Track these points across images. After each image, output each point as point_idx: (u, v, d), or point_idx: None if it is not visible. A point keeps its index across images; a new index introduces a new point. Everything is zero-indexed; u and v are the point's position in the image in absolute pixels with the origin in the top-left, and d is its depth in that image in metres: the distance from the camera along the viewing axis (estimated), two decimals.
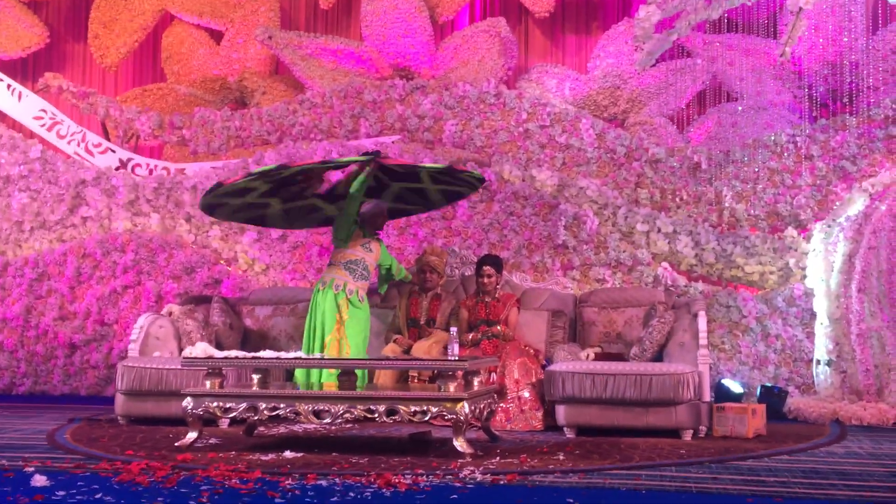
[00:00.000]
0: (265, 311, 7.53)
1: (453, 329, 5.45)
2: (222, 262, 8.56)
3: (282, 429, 6.27)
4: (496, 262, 6.81)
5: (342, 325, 6.54)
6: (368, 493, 4.03)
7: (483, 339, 6.59)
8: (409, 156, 8.26)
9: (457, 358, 5.21)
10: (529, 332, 6.95)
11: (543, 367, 6.48)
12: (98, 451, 5.17)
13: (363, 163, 6.59)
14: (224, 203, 6.73)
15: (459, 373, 5.28)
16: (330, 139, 8.93)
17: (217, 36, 10.16)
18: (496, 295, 6.81)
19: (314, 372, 6.50)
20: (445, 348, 6.62)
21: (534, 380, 6.30)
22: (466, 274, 7.50)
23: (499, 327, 6.65)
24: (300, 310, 7.42)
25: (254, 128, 9.21)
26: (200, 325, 7.01)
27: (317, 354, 6.33)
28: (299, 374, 6.58)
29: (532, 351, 6.58)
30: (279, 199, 6.86)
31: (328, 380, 6.37)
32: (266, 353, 5.54)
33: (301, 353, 5.72)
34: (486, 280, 6.75)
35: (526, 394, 6.23)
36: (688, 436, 5.86)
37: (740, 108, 8.63)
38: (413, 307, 7.02)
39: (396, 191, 7.12)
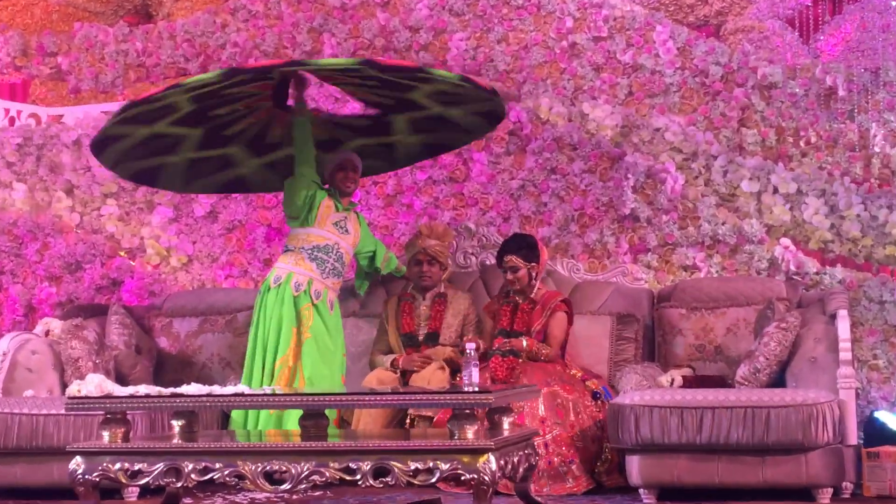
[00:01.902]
0: (188, 326, 7.62)
1: (470, 345, 5.46)
2: (122, 253, 8.59)
3: (218, 500, 6.31)
4: (527, 247, 6.90)
5: (301, 345, 6.64)
6: None
7: (494, 355, 6.66)
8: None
9: (476, 389, 5.23)
10: (585, 348, 7.06)
11: (596, 396, 6.59)
12: None
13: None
14: (121, 137, 6.78)
15: (482, 411, 5.30)
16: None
17: None
18: (532, 294, 6.89)
19: (263, 415, 6.58)
20: (457, 375, 6.72)
21: (573, 418, 6.44)
22: (488, 263, 7.58)
23: (524, 340, 6.72)
24: (239, 322, 7.53)
25: (164, 52, 9.14)
26: (93, 349, 7.05)
27: (265, 389, 6.36)
28: (239, 417, 6.67)
29: (577, 375, 6.72)
30: (199, 134, 6.93)
31: (286, 426, 6.43)
32: (191, 389, 5.57)
33: (243, 387, 5.73)
34: (511, 276, 6.88)
35: (555, 436, 6.34)
36: (825, 497, 5.91)
37: (895, 4, 8.58)
38: (406, 315, 7.14)
39: (355, 147, 7.26)
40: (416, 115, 7.13)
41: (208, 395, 5.45)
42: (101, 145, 6.86)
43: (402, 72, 6.72)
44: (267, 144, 7.26)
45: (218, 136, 7.02)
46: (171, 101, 6.52)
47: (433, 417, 6.56)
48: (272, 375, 6.60)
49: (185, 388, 5.56)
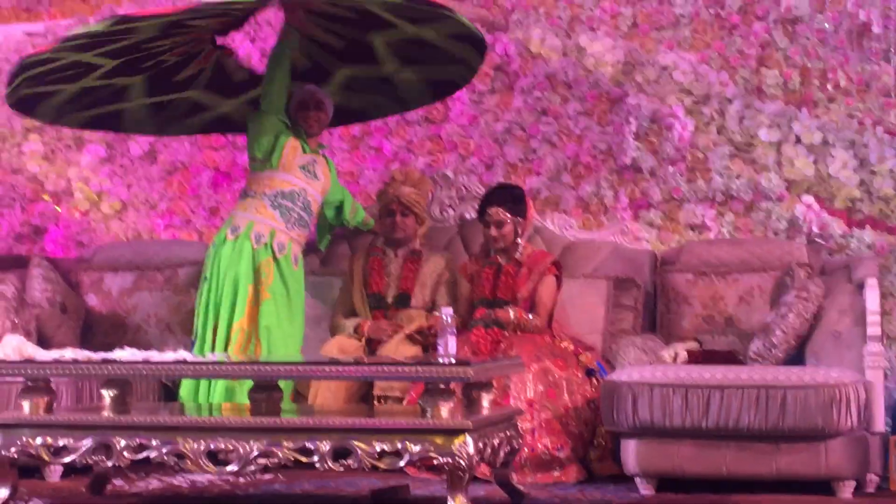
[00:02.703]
0: (122, 282, 7.66)
1: (446, 310, 5.52)
2: (46, 197, 8.61)
3: (154, 482, 6.31)
4: (513, 200, 6.92)
5: (258, 306, 6.66)
6: None
7: (476, 327, 6.68)
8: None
9: (453, 361, 5.26)
10: (576, 316, 7.07)
11: (591, 373, 6.62)
12: None
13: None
14: (54, 93, 6.80)
15: (458, 386, 5.34)
16: None
17: None
18: (517, 255, 6.92)
19: (210, 386, 6.61)
20: (428, 349, 6.80)
21: (567, 399, 6.47)
22: (468, 217, 7.64)
23: (511, 311, 6.74)
24: (181, 279, 7.62)
25: None
26: (10, 306, 7.05)
27: (211, 356, 6.38)
28: (186, 390, 6.69)
29: (570, 348, 6.74)
30: (142, 82, 6.99)
31: (235, 399, 6.46)
32: (125, 353, 5.56)
33: (186, 355, 5.70)
34: (495, 232, 6.87)
35: (545, 418, 6.38)
36: (847, 490, 5.93)
37: None
38: (375, 274, 7.20)
39: (344, 78, 7.26)
40: (392, 35, 7.05)
41: (144, 361, 5.41)
42: (26, 105, 6.92)
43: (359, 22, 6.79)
44: (237, 85, 7.32)
45: (166, 82, 7.06)
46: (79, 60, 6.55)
47: (403, 399, 6.60)
48: (227, 341, 6.61)
49: (118, 354, 5.54)
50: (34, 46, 8.35)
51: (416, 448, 5.02)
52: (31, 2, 9.16)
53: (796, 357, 6.46)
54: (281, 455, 5.11)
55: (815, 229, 7.71)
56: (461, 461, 4.97)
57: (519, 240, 6.91)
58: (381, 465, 5.06)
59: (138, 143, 8.49)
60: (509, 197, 6.91)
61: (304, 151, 6.88)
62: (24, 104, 6.89)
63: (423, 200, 7.26)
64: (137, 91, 7.07)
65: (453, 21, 6.67)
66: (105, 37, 6.38)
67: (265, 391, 5.38)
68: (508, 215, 6.85)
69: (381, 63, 7.13)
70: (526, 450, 6.23)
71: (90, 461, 5.32)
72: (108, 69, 6.74)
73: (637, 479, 6.07)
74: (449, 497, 5.02)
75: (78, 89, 6.84)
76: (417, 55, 7.05)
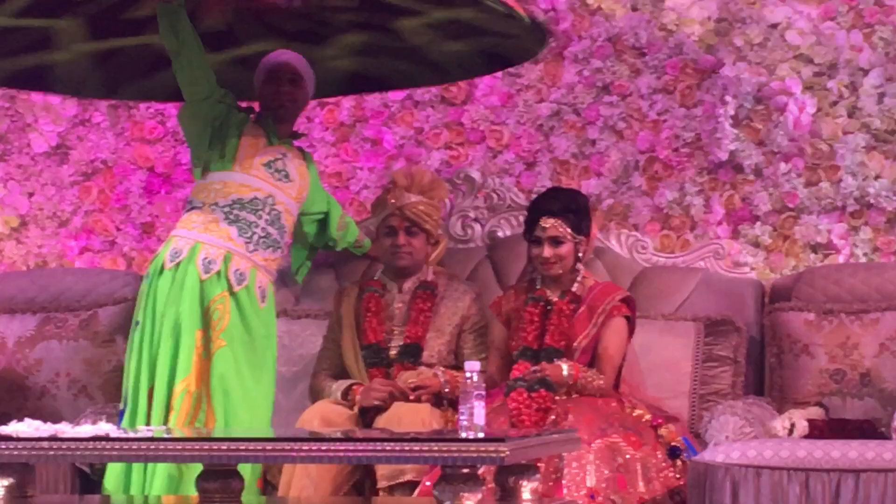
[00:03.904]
0: (20, 328, 7.70)
1: (471, 365, 5.36)
2: None
3: None
4: (576, 211, 6.87)
5: (210, 358, 6.55)
6: None
7: (516, 388, 6.53)
8: None
9: (481, 435, 5.16)
10: (654, 371, 7.08)
11: (676, 453, 6.53)
12: None
13: None
14: None
15: (489, 470, 5.32)
16: None
17: None
18: (574, 287, 6.85)
19: (159, 475, 6.51)
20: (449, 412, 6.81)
21: (642, 487, 6.36)
22: (501, 234, 7.66)
23: (565, 367, 6.64)
24: (103, 323, 7.62)
25: None
26: None
27: (145, 430, 6.19)
28: (112, 477, 6.61)
29: (646, 418, 6.69)
30: (78, 22, 7.01)
31: (181, 490, 6.42)
32: (24, 427, 5.50)
33: (111, 429, 5.58)
34: (549, 252, 6.78)
35: None
36: None
37: None
38: (372, 318, 7.12)
39: (350, 43, 7.32)
40: (376, 41, 7.29)
41: (51, 438, 5.38)
42: None
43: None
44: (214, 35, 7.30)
45: (112, 24, 7.05)
46: None
47: (418, 483, 6.47)
48: (167, 407, 6.55)
49: (15, 428, 5.50)
50: None
51: None
52: None
53: None
54: None
55: None
56: None
57: (579, 265, 6.82)
58: None
59: (43, 135, 8.57)
60: (571, 205, 6.82)
61: (270, 143, 6.80)
62: None
63: (435, 213, 7.14)
64: (72, 35, 7.04)
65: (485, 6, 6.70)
66: None
67: (220, 479, 5.38)
68: (570, 230, 6.72)
69: (406, 38, 7.11)
70: None
71: None
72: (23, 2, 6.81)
73: None
74: None
75: None
76: (457, 31, 7.04)
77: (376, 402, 6.77)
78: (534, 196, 7.21)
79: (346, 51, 7.37)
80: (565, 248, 6.72)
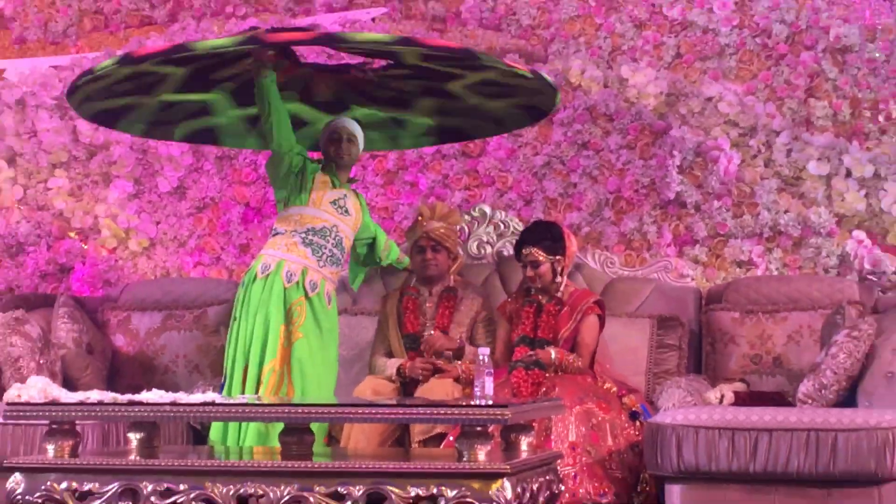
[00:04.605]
0: (149, 322, 7.70)
1: (483, 351, 5.48)
2: (73, 234, 8.64)
3: None
4: (551, 238, 6.91)
5: (291, 346, 6.62)
6: None
7: (516, 367, 6.69)
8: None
9: (491, 402, 5.24)
10: (619, 356, 7.12)
11: (635, 416, 6.61)
12: None
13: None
14: (135, 106, 6.93)
15: (496, 428, 5.36)
16: (261, 14, 8.93)
17: None
18: (558, 293, 6.92)
19: (240, 429, 6.58)
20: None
21: (610, 442, 6.46)
22: (506, 253, 7.63)
23: (553, 352, 6.74)
24: (210, 319, 7.65)
25: None
26: (36, 347, 7.07)
27: (241, 398, 6.33)
28: (215, 433, 6.66)
29: (613, 390, 6.74)
30: (225, 95, 7.05)
31: (267, 442, 6.43)
32: (152, 395, 5.55)
33: (216, 397, 5.67)
34: (531, 272, 6.88)
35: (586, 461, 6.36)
36: None
37: None
38: (409, 314, 7.18)
39: (431, 104, 7.22)
40: (447, 104, 7.16)
41: (172, 403, 5.43)
42: (107, 118, 7.10)
43: (445, 58, 6.69)
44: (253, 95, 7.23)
45: (203, 78, 7.00)
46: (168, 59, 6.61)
47: (444, 437, 6.54)
48: (258, 382, 6.57)
49: (145, 395, 5.54)
50: (62, 82, 8.53)
51: (451, 493, 4.98)
52: (57, 35, 9.25)
53: (848, 399, 6.42)
54: (312, 500, 5.08)
55: (867, 266, 7.69)
56: None
57: (559, 278, 6.90)
58: None
59: (167, 179, 8.54)
60: (546, 235, 6.89)
61: (334, 186, 6.82)
62: (104, 118, 7.07)
63: (453, 234, 7.22)
64: (171, 84, 6.97)
65: (540, 97, 6.81)
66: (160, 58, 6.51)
67: (297, 434, 5.38)
68: (544, 255, 6.83)
69: (464, 99, 7.07)
70: (567, 495, 6.17)
71: None
72: (179, 80, 6.79)
73: None
74: None
75: (158, 103, 6.96)
76: (497, 91, 6.97)
77: (419, 377, 6.85)
78: (522, 231, 7.16)
79: (426, 111, 7.27)
80: (543, 269, 6.79)
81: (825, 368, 6.46)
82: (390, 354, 7.13)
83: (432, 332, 7.06)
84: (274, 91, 6.62)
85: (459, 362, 6.92)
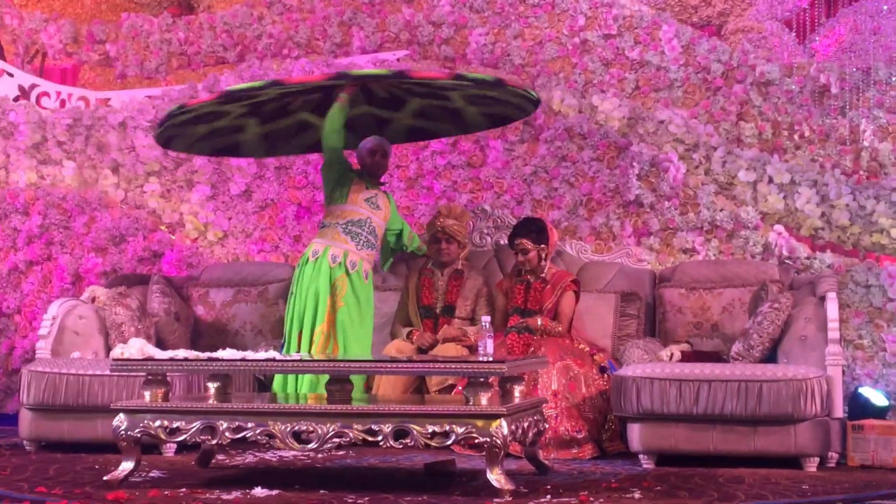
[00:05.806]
0: (223, 296, 7.65)
1: (485, 319, 5.50)
2: (163, 228, 8.62)
3: (249, 457, 6.34)
4: (536, 231, 6.89)
5: (335, 313, 6.63)
6: None
7: (510, 332, 6.67)
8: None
9: (491, 359, 5.24)
10: (590, 323, 7.08)
11: (604, 370, 6.59)
12: None
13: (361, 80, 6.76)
14: (182, 132, 6.91)
15: (495, 379, 5.31)
16: (310, 56, 8.93)
17: None
18: (543, 274, 6.89)
19: (297, 380, 6.58)
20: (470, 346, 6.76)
21: (584, 390, 6.44)
22: (502, 243, 7.57)
23: (539, 320, 6.71)
24: (270, 293, 7.59)
25: (204, 41, 9.21)
26: (135, 315, 7.06)
27: (295, 355, 6.36)
28: (277, 383, 6.67)
29: (586, 349, 6.71)
30: (257, 119, 7.01)
31: (318, 390, 6.44)
32: (226, 354, 5.57)
33: (276, 354, 5.70)
34: (521, 258, 6.86)
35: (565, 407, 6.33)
36: (812, 465, 5.94)
37: (886, 9, 8.53)
38: (425, 290, 7.14)
39: (416, 107, 7.18)
40: (433, 103, 7.10)
41: (242, 359, 5.46)
42: (166, 140, 7.06)
43: (433, 85, 6.71)
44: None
45: (280, 111, 7.00)
46: (215, 110, 6.66)
47: (453, 388, 6.53)
48: (310, 343, 6.57)
49: (220, 353, 5.57)
50: (156, 109, 8.51)
51: (460, 430, 5.04)
52: (151, 71, 9.29)
53: (770, 357, 6.41)
54: (351, 435, 5.14)
55: (785, 252, 7.71)
56: (497, 440, 5.00)
57: (543, 262, 6.87)
58: (433, 444, 5.10)
59: (237, 184, 8.50)
60: (533, 228, 6.87)
61: (367, 187, 6.83)
62: (162, 139, 7.02)
63: (463, 230, 7.18)
64: (253, 124, 7.05)
65: (511, 92, 6.71)
66: (249, 95, 6.54)
67: (340, 384, 5.44)
68: (531, 244, 6.81)
69: (452, 100, 7.00)
70: (550, 431, 6.21)
71: (198, 440, 5.38)
72: (236, 115, 6.80)
73: (640, 456, 6.07)
74: (487, 470, 5.05)
75: (208, 129, 6.93)
76: (482, 100, 6.94)
77: (425, 345, 6.80)
78: (514, 226, 7.11)
79: (409, 113, 7.21)
80: (531, 255, 6.77)
81: (752, 333, 6.44)
82: (408, 322, 7.10)
83: (448, 319, 7.02)
84: (346, 114, 6.68)
85: (468, 330, 6.92)
